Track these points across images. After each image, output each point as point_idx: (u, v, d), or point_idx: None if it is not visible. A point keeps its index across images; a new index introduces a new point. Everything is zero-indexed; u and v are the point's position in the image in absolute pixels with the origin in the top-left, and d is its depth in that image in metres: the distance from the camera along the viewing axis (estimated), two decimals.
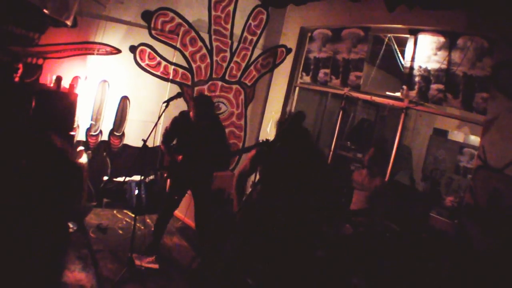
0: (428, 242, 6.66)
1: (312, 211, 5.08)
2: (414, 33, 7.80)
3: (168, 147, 6.76)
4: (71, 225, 6.95)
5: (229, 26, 10.00)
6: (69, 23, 6.89)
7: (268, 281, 5.07)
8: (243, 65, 10.41)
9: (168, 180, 7.09)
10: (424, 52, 7.62)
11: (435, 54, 7.41)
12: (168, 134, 6.74)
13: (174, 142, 6.83)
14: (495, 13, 6.62)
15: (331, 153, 9.26)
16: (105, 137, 8.76)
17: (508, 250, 5.99)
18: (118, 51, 8.53)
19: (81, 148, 7.83)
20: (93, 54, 8.20)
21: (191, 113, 6.52)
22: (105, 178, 8.75)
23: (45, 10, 6.00)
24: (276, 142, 4.66)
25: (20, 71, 6.84)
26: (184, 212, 7.95)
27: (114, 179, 8.79)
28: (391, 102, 8.38)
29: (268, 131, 10.33)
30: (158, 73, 9.19)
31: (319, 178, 5.00)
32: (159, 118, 6.11)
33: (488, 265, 6.02)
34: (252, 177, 5.75)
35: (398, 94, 8.19)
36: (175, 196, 6.88)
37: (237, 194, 5.23)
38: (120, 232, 7.48)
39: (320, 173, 5.05)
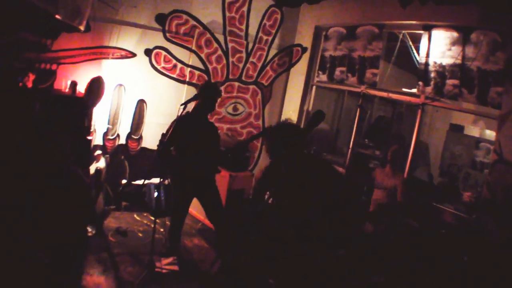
0: (447, 238, 6.61)
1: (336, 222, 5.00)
2: (428, 29, 7.75)
3: (167, 155, 6.38)
4: (90, 229, 6.98)
5: (244, 27, 9.99)
6: (82, 28, 6.89)
7: (289, 280, 5.03)
8: (259, 65, 10.39)
9: (172, 187, 6.84)
10: (438, 48, 7.57)
11: (449, 50, 7.36)
12: (167, 140, 6.25)
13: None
14: (507, 7, 6.54)
15: (349, 151, 9.23)
16: (122, 140, 8.79)
17: None
18: (133, 54, 8.55)
19: (99, 152, 7.86)
20: (108, 58, 8.22)
21: (195, 105, 6.49)
22: (124, 181, 8.76)
23: (57, 16, 5.99)
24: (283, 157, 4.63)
25: (30, 77, 6.85)
26: (204, 213, 7.93)
27: (133, 182, 8.81)
28: (407, 98, 8.38)
29: None
30: (175, 76, 9.20)
31: (337, 191, 4.92)
32: None
33: (506, 259, 5.94)
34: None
35: (414, 90, 8.15)
36: (187, 201, 6.78)
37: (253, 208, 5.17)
38: (140, 235, 7.50)
39: (337, 185, 4.97)
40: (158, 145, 6.29)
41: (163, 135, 6.29)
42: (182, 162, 6.38)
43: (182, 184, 6.54)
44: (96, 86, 7.24)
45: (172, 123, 6.32)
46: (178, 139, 6.33)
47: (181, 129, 6.28)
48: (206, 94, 6.43)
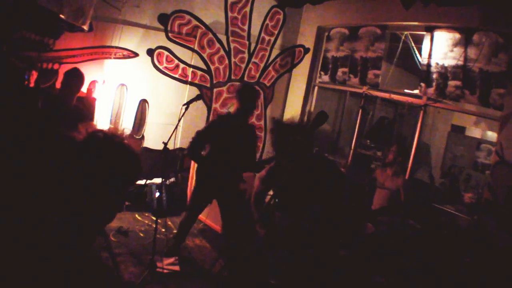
0: (448, 239, 6.61)
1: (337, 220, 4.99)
2: (430, 30, 7.76)
3: (197, 154, 6.35)
4: None
5: (246, 27, 9.99)
6: (85, 27, 6.87)
7: (291, 280, 5.03)
8: (262, 65, 10.39)
9: (193, 186, 6.92)
10: (440, 49, 7.58)
11: (452, 51, 7.38)
12: (201, 139, 6.28)
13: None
14: (509, 8, 6.56)
15: (351, 152, 9.23)
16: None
17: None
18: (136, 54, 8.55)
19: None
20: (110, 58, 8.22)
21: (234, 108, 6.41)
22: None
23: (61, 16, 5.99)
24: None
25: (33, 76, 6.82)
26: (205, 214, 7.91)
27: (135, 182, 8.78)
28: (409, 99, 8.37)
29: None
30: (177, 76, 9.20)
31: (339, 191, 4.92)
32: (179, 120, 6.09)
33: (506, 261, 5.95)
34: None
35: (416, 91, 8.17)
36: (204, 203, 6.78)
37: (257, 210, 5.15)
38: (141, 235, 7.49)
39: (338, 185, 4.97)
40: (190, 141, 6.24)
41: (197, 132, 6.29)
42: (211, 163, 6.36)
43: (204, 184, 6.54)
44: (70, 80, 7.08)
45: (210, 123, 6.32)
46: (213, 140, 6.32)
47: (217, 130, 6.28)
48: (246, 97, 6.37)
